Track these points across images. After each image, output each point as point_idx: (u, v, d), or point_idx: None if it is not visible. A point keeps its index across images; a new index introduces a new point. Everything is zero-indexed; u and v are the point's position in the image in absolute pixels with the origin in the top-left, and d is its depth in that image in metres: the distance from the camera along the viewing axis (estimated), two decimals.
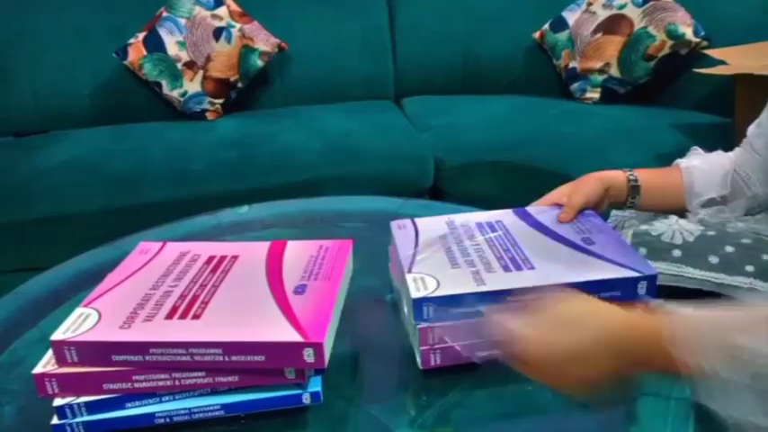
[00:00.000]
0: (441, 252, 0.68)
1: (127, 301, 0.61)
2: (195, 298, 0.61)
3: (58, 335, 0.56)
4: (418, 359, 0.61)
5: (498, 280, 0.62)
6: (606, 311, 0.51)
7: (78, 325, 0.57)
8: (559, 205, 0.77)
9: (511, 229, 0.73)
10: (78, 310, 0.59)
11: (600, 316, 0.51)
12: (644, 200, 0.80)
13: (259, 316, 0.58)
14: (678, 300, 0.64)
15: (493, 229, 0.73)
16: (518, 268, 0.64)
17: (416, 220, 0.76)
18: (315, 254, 0.69)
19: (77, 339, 0.55)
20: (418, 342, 0.61)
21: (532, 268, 0.64)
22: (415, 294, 0.60)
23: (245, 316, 0.58)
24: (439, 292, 0.60)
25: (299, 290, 0.62)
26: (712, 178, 0.82)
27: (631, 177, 0.80)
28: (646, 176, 0.81)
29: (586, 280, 0.61)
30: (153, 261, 0.69)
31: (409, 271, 0.64)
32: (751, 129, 0.82)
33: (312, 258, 0.68)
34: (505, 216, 0.76)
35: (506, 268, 0.64)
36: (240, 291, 0.63)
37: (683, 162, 0.85)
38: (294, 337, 0.54)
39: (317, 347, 0.54)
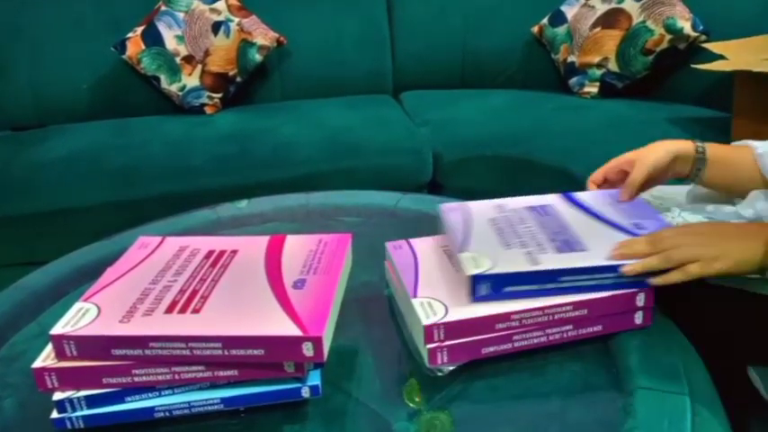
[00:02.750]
0: (493, 234, 0.69)
1: (126, 295, 0.61)
2: (195, 292, 0.61)
3: (57, 329, 0.56)
4: (425, 357, 0.61)
5: (552, 260, 0.63)
6: None
7: (78, 319, 0.57)
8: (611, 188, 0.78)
9: (561, 212, 0.74)
10: (78, 305, 0.59)
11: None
12: (710, 174, 0.76)
13: (258, 310, 0.58)
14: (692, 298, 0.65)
15: (543, 213, 0.74)
16: (571, 249, 0.65)
17: (466, 203, 0.76)
18: (314, 248, 0.69)
19: (77, 334, 0.55)
20: (423, 340, 0.61)
21: (584, 250, 0.65)
22: (472, 271, 0.61)
23: (245, 310, 0.58)
24: (496, 270, 0.61)
25: (299, 284, 0.62)
26: None
27: (700, 149, 0.76)
28: (714, 150, 0.76)
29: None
30: (152, 255, 0.69)
31: (461, 251, 0.65)
32: None
33: (311, 252, 0.68)
34: (554, 200, 0.77)
35: (559, 249, 0.65)
36: (239, 285, 0.63)
37: (754, 144, 0.77)
38: (293, 331, 0.55)
39: (317, 341, 0.54)
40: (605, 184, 0.80)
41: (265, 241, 0.71)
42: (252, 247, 0.70)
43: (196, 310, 0.58)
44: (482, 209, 0.75)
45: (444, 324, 0.60)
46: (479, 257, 0.64)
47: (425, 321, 0.60)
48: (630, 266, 0.63)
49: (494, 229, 0.70)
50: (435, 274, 0.68)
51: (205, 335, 0.55)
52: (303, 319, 0.56)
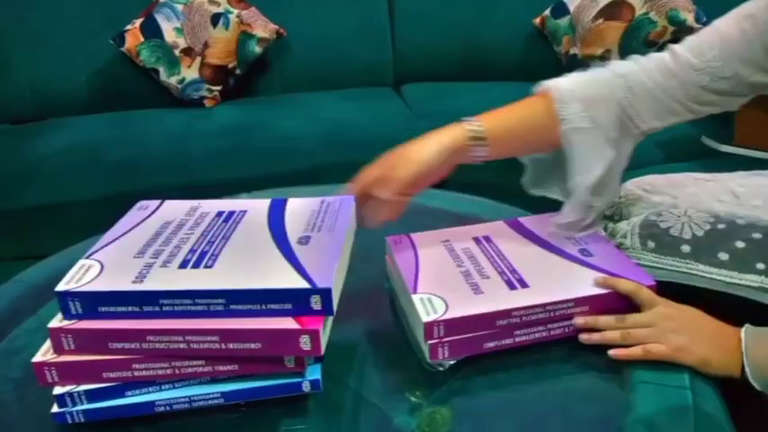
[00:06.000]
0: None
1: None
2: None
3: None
4: (426, 352, 0.61)
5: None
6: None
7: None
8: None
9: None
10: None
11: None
12: (495, 152, 0.69)
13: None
14: (688, 299, 0.65)
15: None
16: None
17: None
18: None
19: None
20: (423, 336, 0.61)
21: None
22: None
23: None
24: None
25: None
26: (596, 139, 0.68)
27: (477, 131, 0.68)
28: (494, 123, 0.68)
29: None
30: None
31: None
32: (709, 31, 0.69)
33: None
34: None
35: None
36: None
37: (562, 115, 0.68)
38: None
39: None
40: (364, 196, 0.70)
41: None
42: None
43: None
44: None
45: (444, 321, 0.60)
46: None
47: (425, 318, 0.60)
48: (587, 336, 0.62)
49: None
50: (436, 269, 0.68)
51: (203, 328, 0.54)
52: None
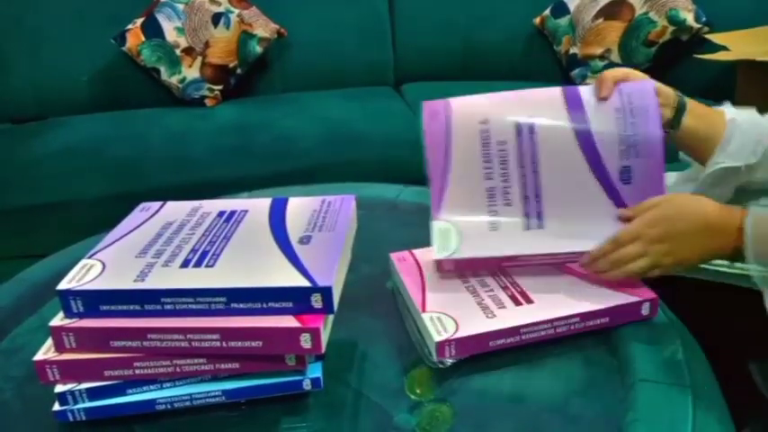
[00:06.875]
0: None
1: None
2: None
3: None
4: (432, 349, 0.61)
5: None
6: (700, 203, 0.64)
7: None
8: None
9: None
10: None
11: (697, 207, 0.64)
12: (689, 123, 0.76)
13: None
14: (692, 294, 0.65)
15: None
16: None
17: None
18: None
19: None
20: (429, 333, 0.61)
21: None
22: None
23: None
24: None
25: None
26: (748, 142, 0.76)
27: (679, 94, 0.78)
28: (693, 103, 0.78)
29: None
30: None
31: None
32: None
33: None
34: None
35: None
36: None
37: (728, 110, 0.79)
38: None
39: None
40: None
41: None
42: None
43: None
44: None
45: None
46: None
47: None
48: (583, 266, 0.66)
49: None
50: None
51: (204, 326, 0.54)
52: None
